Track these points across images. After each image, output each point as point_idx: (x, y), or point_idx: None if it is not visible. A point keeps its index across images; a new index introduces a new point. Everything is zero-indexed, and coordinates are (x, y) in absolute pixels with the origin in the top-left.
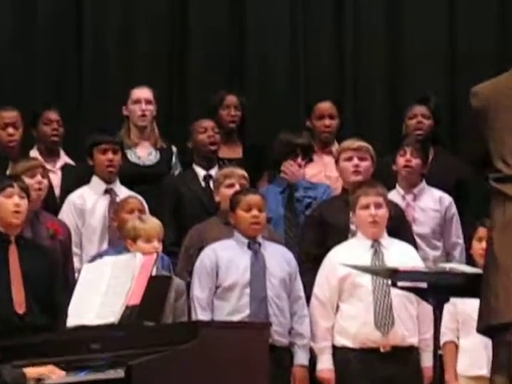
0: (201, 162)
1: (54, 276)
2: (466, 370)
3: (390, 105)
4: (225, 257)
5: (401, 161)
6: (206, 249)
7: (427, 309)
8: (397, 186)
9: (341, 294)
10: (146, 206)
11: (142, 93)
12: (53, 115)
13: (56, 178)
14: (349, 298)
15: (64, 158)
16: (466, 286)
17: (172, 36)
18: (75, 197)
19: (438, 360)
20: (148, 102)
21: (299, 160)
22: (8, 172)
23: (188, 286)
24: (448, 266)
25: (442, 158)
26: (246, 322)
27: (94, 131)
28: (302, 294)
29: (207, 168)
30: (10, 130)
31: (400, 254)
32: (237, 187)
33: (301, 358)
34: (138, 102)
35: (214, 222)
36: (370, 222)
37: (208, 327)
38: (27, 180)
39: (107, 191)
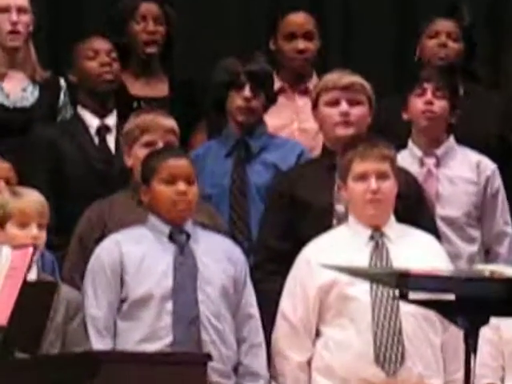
0: (91, 103)
1: None
2: None
3: (398, 18)
4: (134, 253)
5: (417, 104)
6: (106, 241)
7: (456, 335)
8: (410, 144)
9: (323, 311)
10: (14, 174)
11: None
12: None
13: None
14: (335, 318)
15: None
16: None
17: None
18: None
19: None
20: (22, 10)
21: (246, 92)
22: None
23: None
24: (489, 267)
25: (479, 100)
26: (169, 353)
27: None
28: (254, 311)
29: (101, 114)
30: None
31: (414, 250)
32: (160, 145)
33: None
34: (5, 10)
35: (122, 199)
36: (368, 201)
37: (110, 362)
38: None
39: None
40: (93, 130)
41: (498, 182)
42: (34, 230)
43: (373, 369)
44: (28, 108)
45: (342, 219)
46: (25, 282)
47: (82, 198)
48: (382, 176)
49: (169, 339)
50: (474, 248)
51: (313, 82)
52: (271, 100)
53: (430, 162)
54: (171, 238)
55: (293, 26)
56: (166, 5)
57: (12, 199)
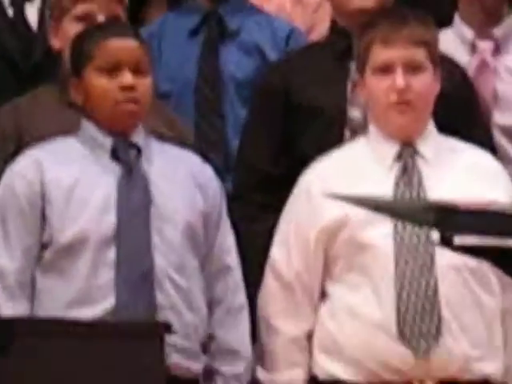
0: None
1: None
2: None
3: None
4: (61, 178)
5: None
6: (20, 160)
7: None
8: (456, 20)
9: (328, 264)
10: None
11: None
12: None
13: None
14: (345, 273)
15: None
16: None
17: None
18: None
19: None
20: None
21: None
22: None
23: None
24: None
25: None
26: (110, 322)
27: None
28: (233, 260)
29: None
30: None
31: (461, 174)
32: (100, 19)
33: None
34: None
35: (45, 98)
36: (393, 104)
37: (26, 334)
38: None
39: None
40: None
41: None
42: None
43: (396, 347)
44: None
45: (359, 130)
46: None
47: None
48: (413, 68)
49: (110, 302)
50: None
51: None
52: None
53: (486, 47)
54: (114, 154)
55: None
56: None
57: None
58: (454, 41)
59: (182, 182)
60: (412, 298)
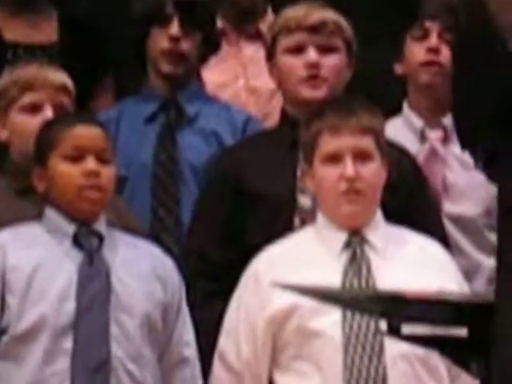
0: None
1: None
2: None
3: None
4: (23, 263)
5: (417, 52)
6: None
7: None
8: (406, 109)
9: (276, 352)
10: None
11: None
12: None
13: None
14: (293, 361)
15: None
16: None
17: None
18: None
19: None
20: None
21: (173, 29)
22: None
23: None
24: None
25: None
26: None
27: None
28: (191, 352)
29: None
30: None
31: (410, 264)
32: (47, 112)
33: None
34: None
35: None
36: (342, 193)
37: None
38: None
39: None
40: None
41: None
42: None
43: None
44: None
45: (308, 217)
46: None
47: None
48: (362, 156)
49: None
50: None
51: (267, 22)
52: (212, 45)
53: (435, 136)
54: (76, 241)
55: None
56: None
57: None
58: (403, 129)
59: (143, 272)
60: None
